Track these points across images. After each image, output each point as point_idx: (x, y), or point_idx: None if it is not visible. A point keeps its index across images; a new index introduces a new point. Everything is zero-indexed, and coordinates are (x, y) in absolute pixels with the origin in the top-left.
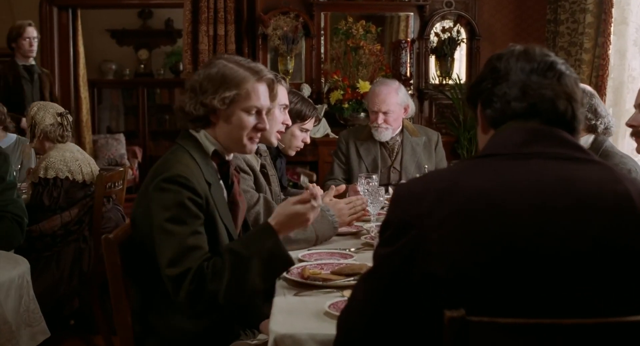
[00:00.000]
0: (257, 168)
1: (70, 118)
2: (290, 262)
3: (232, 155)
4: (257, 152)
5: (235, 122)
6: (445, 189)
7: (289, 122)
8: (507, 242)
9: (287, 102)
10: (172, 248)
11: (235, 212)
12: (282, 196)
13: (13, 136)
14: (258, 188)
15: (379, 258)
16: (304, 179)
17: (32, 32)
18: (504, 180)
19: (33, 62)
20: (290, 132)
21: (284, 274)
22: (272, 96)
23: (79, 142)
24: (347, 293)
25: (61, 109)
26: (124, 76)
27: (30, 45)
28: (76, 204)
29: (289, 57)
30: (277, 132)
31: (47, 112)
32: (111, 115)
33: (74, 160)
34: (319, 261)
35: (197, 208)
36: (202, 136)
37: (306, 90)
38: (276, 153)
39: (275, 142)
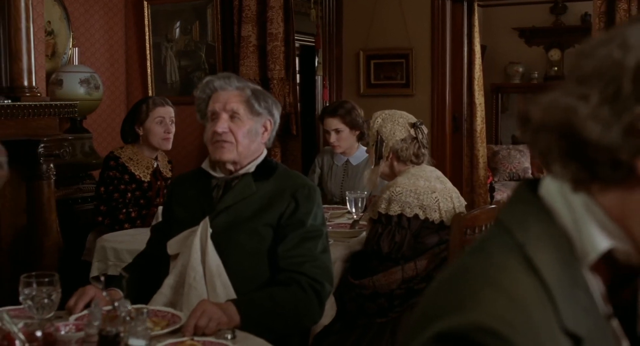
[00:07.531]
0: None
1: (426, 130)
2: None
3: None
4: None
5: None
6: None
7: None
8: None
9: None
10: None
11: None
12: None
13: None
14: None
15: None
16: None
17: None
18: None
19: None
20: None
21: None
22: None
23: (471, 154)
24: None
25: (414, 119)
26: (532, 79)
27: None
28: (426, 253)
29: None
30: None
31: (396, 124)
32: (517, 123)
33: (429, 192)
34: None
35: None
36: (580, 208)
37: None
38: None
39: None
